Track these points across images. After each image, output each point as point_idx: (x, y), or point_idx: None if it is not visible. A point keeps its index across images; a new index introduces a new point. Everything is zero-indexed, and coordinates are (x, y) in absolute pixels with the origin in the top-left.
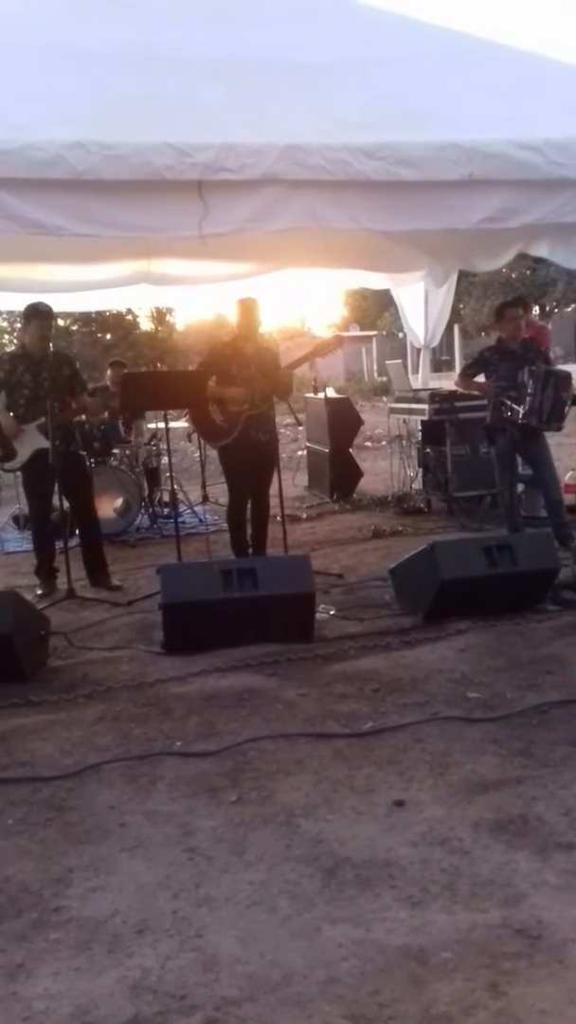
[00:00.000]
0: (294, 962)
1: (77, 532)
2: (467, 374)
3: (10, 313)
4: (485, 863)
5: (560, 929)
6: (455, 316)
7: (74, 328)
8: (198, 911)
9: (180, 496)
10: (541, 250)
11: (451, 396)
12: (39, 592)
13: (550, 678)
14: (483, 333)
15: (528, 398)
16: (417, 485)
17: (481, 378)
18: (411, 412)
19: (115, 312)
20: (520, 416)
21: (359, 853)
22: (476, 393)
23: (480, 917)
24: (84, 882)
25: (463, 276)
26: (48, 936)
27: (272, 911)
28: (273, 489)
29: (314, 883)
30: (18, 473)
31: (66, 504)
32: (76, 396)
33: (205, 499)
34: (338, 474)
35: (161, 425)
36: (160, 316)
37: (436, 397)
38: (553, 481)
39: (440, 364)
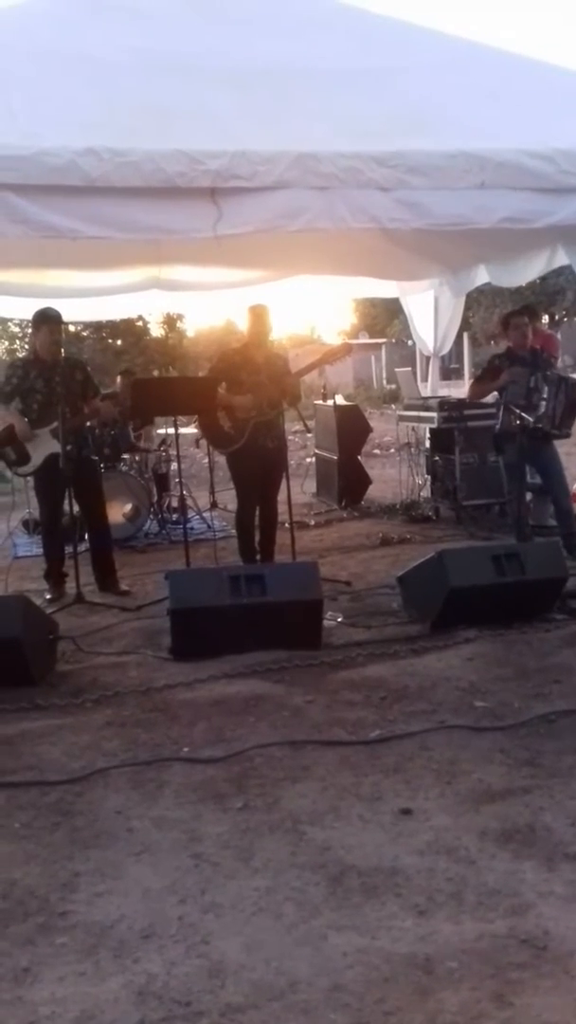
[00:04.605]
0: (300, 969)
1: (86, 537)
2: (480, 382)
3: (22, 320)
4: (491, 872)
5: (567, 939)
6: (464, 324)
7: (85, 334)
8: (204, 917)
9: (189, 502)
10: (563, 259)
11: (460, 404)
12: (48, 596)
13: (558, 687)
14: (492, 342)
15: (542, 403)
16: (425, 493)
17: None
18: (420, 420)
19: (126, 318)
20: (531, 421)
21: (365, 861)
22: (488, 400)
23: (486, 927)
24: (90, 887)
25: None
26: (54, 940)
27: (278, 918)
28: (281, 496)
29: (320, 890)
30: (30, 477)
31: (76, 509)
32: (89, 400)
33: (214, 505)
34: (346, 481)
35: (171, 431)
36: (171, 322)
37: (445, 405)
38: (563, 490)
39: (449, 372)
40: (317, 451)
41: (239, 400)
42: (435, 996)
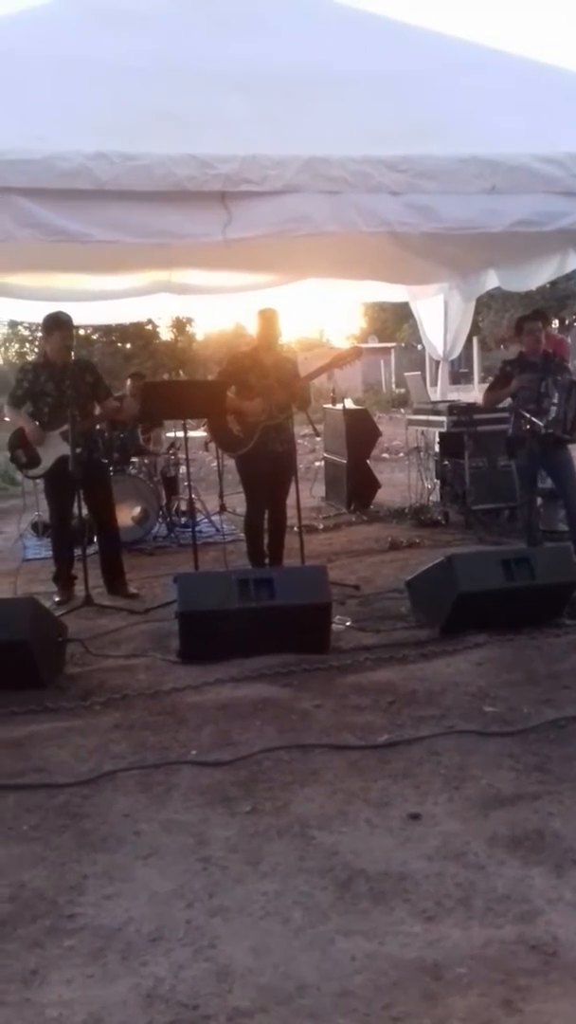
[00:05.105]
0: (307, 974)
1: (95, 540)
2: (493, 389)
3: (31, 324)
4: (500, 878)
5: None
6: (474, 329)
7: (95, 337)
8: (212, 921)
9: (197, 505)
10: (573, 264)
11: (469, 409)
12: (57, 599)
13: (567, 693)
14: (502, 346)
15: (553, 408)
16: (435, 497)
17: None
18: (429, 424)
19: (135, 322)
20: (542, 427)
21: (373, 866)
22: (503, 405)
23: (495, 933)
24: (98, 890)
25: None
26: (62, 943)
27: (286, 922)
28: (290, 499)
29: (328, 895)
30: (40, 480)
31: (85, 511)
32: (100, 402)
33: (222, 508)
34: (355, 485)
35: (180, 434)
36: (180, 326)
37: (454, 409)
38: (575, 495)
39: (459, 376)
40: (326, 455)
41: (248, 404)
42: (443, 1002)
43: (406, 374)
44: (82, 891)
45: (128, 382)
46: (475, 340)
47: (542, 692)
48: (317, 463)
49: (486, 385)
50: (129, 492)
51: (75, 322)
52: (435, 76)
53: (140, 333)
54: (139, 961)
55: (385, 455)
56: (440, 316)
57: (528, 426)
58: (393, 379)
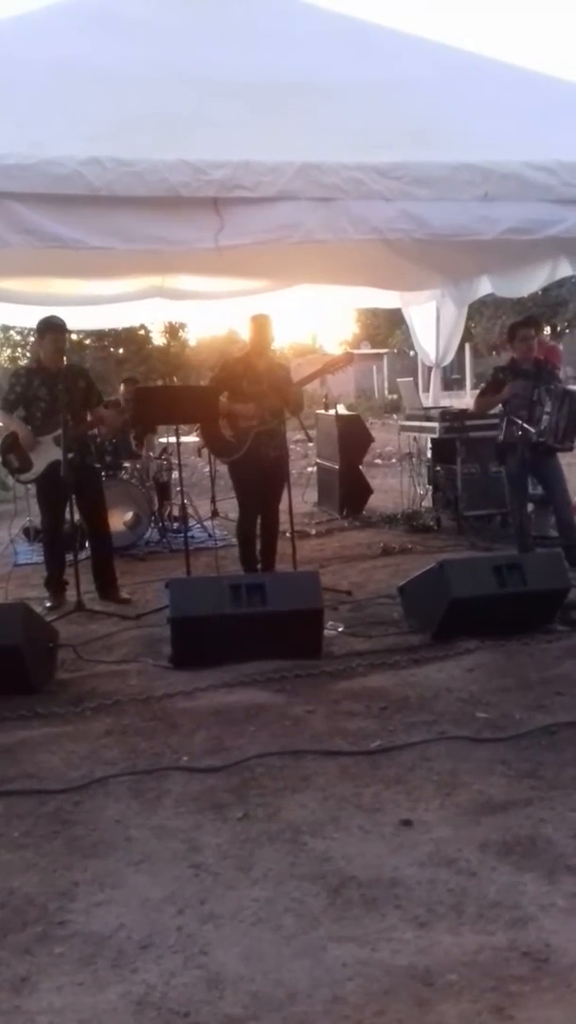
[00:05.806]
0: (299, 981)
1: (87, 545)
2: (485, 395)
3: (24, 328)
4: (492, 884)
5: (568, 952)
6: (466, 335)
7: (87, 342)
8: (203, 927)
9: (190, 510)
10: (567, 270)
11: (461, 415)
12: (48, 604)
13: (559, 699)
14: (494, 352)
15: (545, 416)
16: (427, 503)
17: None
18: (422, 430)
19: (128, 327)
20: (534, 434)
21: (365, 872)
22: (495, 411)
23: (487, 939)
24: (89, 896)
25: None
26: (52, 950)
27: (277, 929)
28: (283, 505)
29: (320, 901)
30: (32, 485)
31: (77, 517)
32: (92, 408)
33: (215, 514)
34: (348, 491)
35: (172, 439)
36: (173, 331)
37: (447, 415)
38: (565, 501)
39: (451, 383)
40: (318, 460)
41: (241, 409)
42: (435, 1008)
43: (398, 380)
44: (73, 898)
45: (121, 387)
46: (467, 346)
47: (534, 698)
48: (309, 469)
49: (478, 391)
50: (121, 497)
51: (68, 326)
52: (428, 83)
53: (133, 338)
54: (130, 968)
55: (377, 461)
56: (432, 322)
57: (520, 432)
58: (386, 385)
